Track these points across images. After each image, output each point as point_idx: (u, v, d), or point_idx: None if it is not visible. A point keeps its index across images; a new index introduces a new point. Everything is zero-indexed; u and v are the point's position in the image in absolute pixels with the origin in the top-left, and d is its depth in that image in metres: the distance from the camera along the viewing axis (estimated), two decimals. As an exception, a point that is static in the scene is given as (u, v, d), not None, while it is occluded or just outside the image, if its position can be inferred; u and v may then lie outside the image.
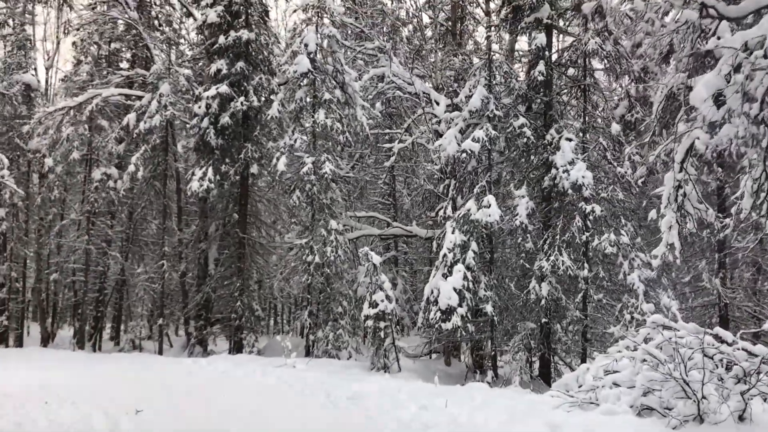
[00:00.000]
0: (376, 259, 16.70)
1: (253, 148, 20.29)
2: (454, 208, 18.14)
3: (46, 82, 31.42)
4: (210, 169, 19.99)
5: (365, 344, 23.25)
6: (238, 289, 20.57)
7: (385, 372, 16.43)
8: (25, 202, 27.17)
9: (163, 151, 23.43)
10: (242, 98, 20.37)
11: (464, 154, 16.77)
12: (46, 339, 29.98)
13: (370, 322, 16.60)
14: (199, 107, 20.75)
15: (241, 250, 20.88)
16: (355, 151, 24.40)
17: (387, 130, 23.52)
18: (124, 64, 29.54)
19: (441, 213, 18.25)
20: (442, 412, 9.87)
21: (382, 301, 16.46)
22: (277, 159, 19.05)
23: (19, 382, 14.04)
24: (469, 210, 16.50)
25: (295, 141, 19.14)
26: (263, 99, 20.96)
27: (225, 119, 20.12)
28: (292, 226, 20.89)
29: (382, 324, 16.54)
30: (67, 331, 33.51)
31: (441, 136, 19.08)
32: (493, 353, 17.17)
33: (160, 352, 22.94)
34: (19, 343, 28.72)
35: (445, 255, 16.47)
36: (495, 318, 16.31)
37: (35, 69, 29.73)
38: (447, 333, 16.64)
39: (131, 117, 22.34)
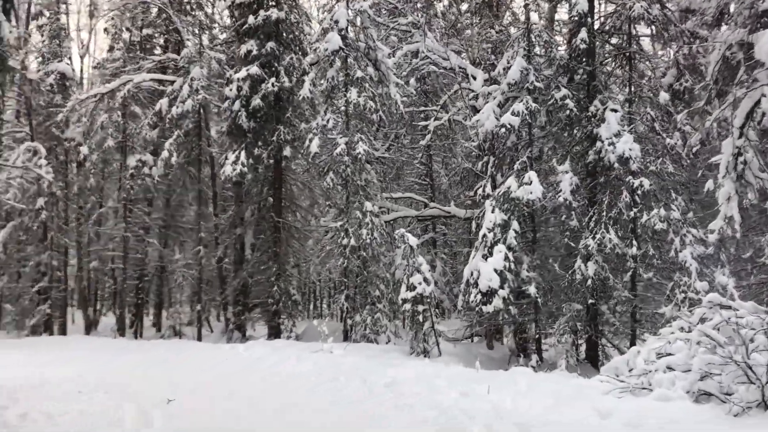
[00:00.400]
0: (413, 240, 16.27)
1: (285, 130, 20.01)
2: (494, 187, 17.56)
3: (81, 70, 31.62)
4: (243, 153, 19.80)
5: (404, 328, 22.93)
6: (274, 273, 20.41)
7: (424, 357, 16.07)
8: (63, 192, 27.57)
9: (197, 136, 23.34)
10: (273, 79, 20.07)
11: (503, 129, 16.14)
12: (89, 326, 30.52)
13: (408, 306, 16.22)
14: (230, 90, 20.54)
15: (276, 235, 20.69)
16: (389, 131, 23.94)
17: (422, 108, 22.93)
18: (157, 51, 29.58)
19: (480, 192, 17.68)
20: (483, 398, 9.45)
21: (420, 283, 16.05)
22: (310, 140, 18.71)
23: (57, 370, 14.15)
24: (509, 187, 15.91)
25: (328, 121, 18.77)
26: (294, 79, 20.63)
27: (256, 101, 19.87)
28: (328, 210, 20.58)
29: (420, 307, 16.15)
30: (110, 318, 34.05)
31: (478, 111, 18.49)
32: (537, 336, 16.61)
33: (199, 339, 23.03)
34: (63, 330, 29.26)
35: (484, 235, 15.94)
36: (539, 299, 15.75)
37: (70, 58, 29.96)
38: (488, 316, 16.16)
39: (163, 102, 22.28)
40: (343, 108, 18.94)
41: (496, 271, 15.40)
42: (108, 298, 33.09)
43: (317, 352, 15.33)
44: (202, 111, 23.22)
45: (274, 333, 20.77)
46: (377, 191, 20.53)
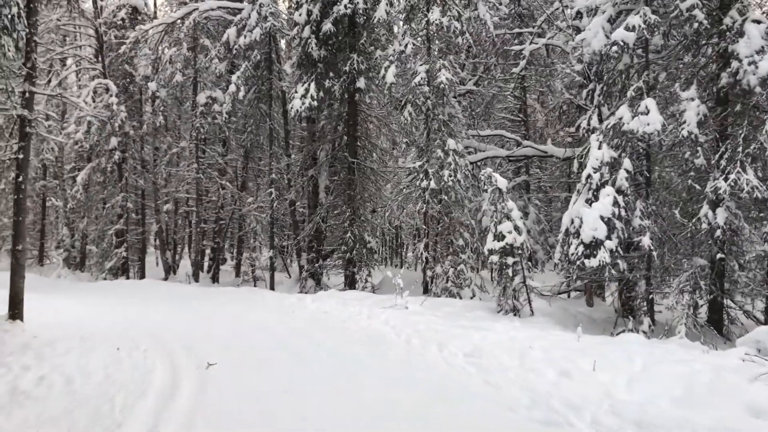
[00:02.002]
0: (502, 182, 14.22)
1: (359, 59, 18.08)
2: (601, 119, 15.08)
3: (154, 4, 30.56)
4: (312, 85, 18.09)
5: (491, 281, 21.06)
6: (347, 219, 18.90)
7: (514, 315, 14.23)
8: (137, 131, 26.96)
9: (267, 69, 21.81)
10: (345, 1, 18.05)
11: (614, 48, 13.56)
12: (168, 271, 30.37)
13: (495, 258, 14.30)
14: (300, 15, 18.78)
15: (350, 177, 19.07)
16: (478, 60, 21.57)
17: (516, 30, 20.32)
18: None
19: (584, 125, 15.23)
20: (589, 380, 7.54)
21: (510, 232, 14.06)
22: (386, 69, 16.78)
23: (111, 319, 13.28)
24: (620, 119, 13.46)
25: (406, 47, 16.72)
26: (370, 0, 18.55)
27: (327, 26, 18.00)
28: (405, 149, 18.70)
29: (510, 259, 14.21)
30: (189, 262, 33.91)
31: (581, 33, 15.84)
32: (649, 296, 14.30)
33: (272, 286, 22.05)
34: (142, 274, 29.23)
35: (589, 176, 13.64)
36: (653, 252, 13.39)
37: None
38: (591, 271, 13.98)
39: (231, 32, 20.79)
40: (423, 31, 16.80)
41: (602, 218, 13.15)
42: (186, 242, 32.84)
43: (390, 308, 13.76)
44: (272, 41, 21.61)
45: (349, 283, 19.41)
46: (462, 128, 18.45)
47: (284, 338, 11.00)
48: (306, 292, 20.55)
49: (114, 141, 26.38)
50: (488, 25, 17.50)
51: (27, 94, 11.33)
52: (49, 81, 27.96)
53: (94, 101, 24.95)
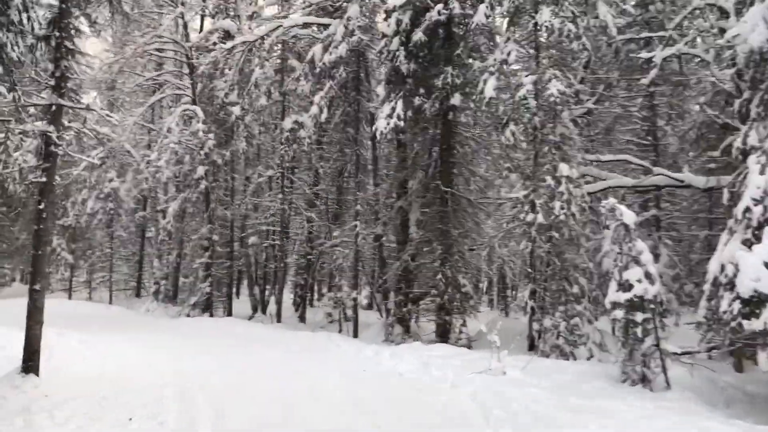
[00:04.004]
0: (628, 216, 11.41)
1: (454, 72, 15.80)
2: (760, 137, 11.88)
3: (249, 27, 29.83)
4: (399, 103, 16.00)
5: (613, 335, 17.88)
6: (439, 257, 16.48)
7: (643, 386, 11.25)
8: (224, 159, 25.91)
9: (354, 89, 20.05)
10: (440, 6, 15.90)
11: (782, 43, 10.54)
12: (255, 308, 29.04)
13: (619, 312, 11.44)
14: (388, 26, 16.86)
15: (442, 208, 16.70)
16: (596, 74, 18.73)
17: (644, 35, 17.34)
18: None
19: (737, 145, 12.05)
20: None
21: (640, 281, 11.19)
22: (484, 82, 14.43)
23: (152, 373, 11.55)
24: (791, 134, 10.34)
25: (509, 55, 14.36)
26: (467, 4, 16.29)
27: (418, 35, 15.94)
28: (507, 176, 16.14)
29: (639, 316, 11.30)
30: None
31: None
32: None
33: (355, 332, 19.89)
34: (229, 311, 27.96)
35: (747, 210, 10.62)
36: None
37: (237, 15, 28.18)
38: (750, 334, 10.77)
39: (317, 49, 19.20)
40: (530, 35, 14.32)
41: (767, 265, 10.02)
42: (271, 277, 31.43)
43: (483, 373, 11.17)
44: (360, 59, 19.88)
45: (440, 333, 16.92)
46: (577, 152, 15.67)
47: (337, 413, 8.71)
48: (391, 341, 18.24)
49: (201, 170, 25.47)
50: (610, 29, 14.77)
51: (54, 108, 9.91)
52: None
53: (178, 126, 24.16)
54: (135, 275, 37.60)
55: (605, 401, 9.69)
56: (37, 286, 9.81)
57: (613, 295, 11.53)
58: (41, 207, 9.86)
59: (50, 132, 9.81)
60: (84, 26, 34.89)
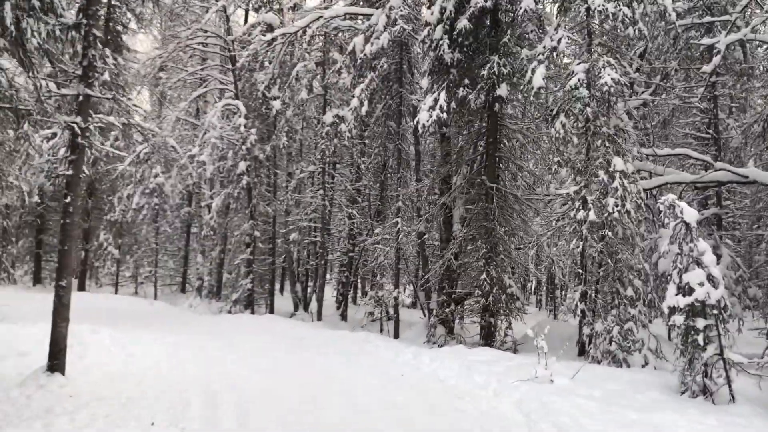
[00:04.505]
0: (690, 214, 10.54)
1: (500, 62, 15.03)
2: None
3: (293, 20, 29.53)
4: (442, 94, 15.30)
5: (670, 340, 16.88)
6: (483, 256, 15.75)
7: (705, 398, 10.41)
8: (266, 154, 25.66)
9: (397, 81, 19.45)
10: (486, -8, 15.16)
11: None
12: (297, 305, 28.76)
13: (679, 318, 10.58)
14: (432, 14, 16.17)
15: (488, 205, 15.95)
16: (654, 64, 17.70)
17: (707, 19, 16.23)
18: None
19: (812, 136, 11.11)
20: None
21: (702, 284, 10.32)
22: (533, 71, 13.63)
23: (181, 372, 11.21)
24: None
25: (559, 42, 13.54)
26: (515, -11, 15.52)
27: (462, 23, 15.20)
28: (559, 170, 15.27)
29: (700, 322, 10.45)
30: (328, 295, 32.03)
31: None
32: None
33: (396, 332, 19.33)
34: (270, 308, 27.75)
35: (824, 207, 9.56)
36: None
37: (279, 9, 27.93)
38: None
39: (358, 40, 18.65)
40: (582, 20, 13.48)
41: None
42: (311, 275, 31.08)
43: (529, 381, 10.45)
44: (402, 50, 19.26)
45: (485, 336, 16.19)
46: (632, 145, 14.77)
47: (370, 421, 8.15)
48: (434, 342, 17.61)
49: (243, 165, 25.30)
50: (669, 14, 13.80)
51: (81, 98, 9.60)
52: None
53: (219, 121, 23.96)
54: (180, 271, 37.89)
55: (662, 415, 8.89)
56: (63, 282, 9.51)
57: (672, 299, 10.67)
58: (67, 201, 9.57)
59: (77, 123, 9.50)
60: (132, 23, 35.13)
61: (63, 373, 9.49)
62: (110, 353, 12.49)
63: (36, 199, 30.84)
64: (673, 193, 15.87)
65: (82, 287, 33.77)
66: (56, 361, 9.42)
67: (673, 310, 10.69)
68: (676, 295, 10.64)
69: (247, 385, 10.10)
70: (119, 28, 35.59)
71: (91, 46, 9.69)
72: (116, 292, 34.30)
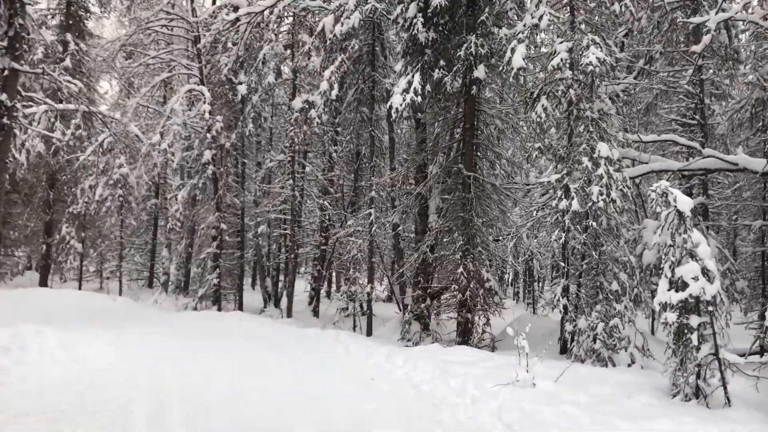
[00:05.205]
0: (684, 202, 9.78)
1: (478, 42, 14.13)
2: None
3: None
4: (417, 76, 14.36)
5: (654, 336, 16.21)
6: (460, 249, 14.88)
7: (699, 402, 9.71)
8: (232, 142, 24.47)
9: (369, 64, 18.46)
10: (462, -33, 14.26)
11: None
12: (267, 300, 27.72)
13: (671, 316, 9.81)
14: (405, -10, 15.21)
15: (465, 195, 15.07)
16: (633, 43, 16.94)
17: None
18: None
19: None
20: None
21: (696, 279, 9.57)
22: (512, 51, 12.76)
23: (121, 382, 10.14)
24: None
25: (540, 18, 12.64)
26: (494, -36, 14.61)
27: (437, 0, 14.24)
28: (539, 157, 14.45)
29: (694, 320, 9.72)
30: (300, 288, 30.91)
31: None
32: None
33: (369, 330, 18.42)
34: (239, 304, 26.64)
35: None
36: None
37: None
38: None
39: (327, 20, 17.63)
40: (565, -3, 12.65)
41: None
42: (282, 269, 30.02)
43: (510, 385, 9.60)
44: (375, 30, 18.28)
45: (461, 332, 15.36)
46: (617, 130, 13.97)
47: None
48: (408, 340, 16.77)
49: (208, 154, 24.10)
50: (656, -11, 13.03)
51: (6, 72, 8.50)
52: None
53: (181, 107, 22.76)
54: (147, 265, 36.60)
55: (655, 423, 8.12)
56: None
57: (664, 294, 9.90)
58: (-8, 188, 8.50)
59: (1, 101, 8.40)
60: (94, 7, 33.16)
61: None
62: (53, 358, 11.39)
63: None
64: (657, 182, 15.14)
65: (44, 283, 32.38)
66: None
67: (664, 307, 9.92)
68: (668, 290, 9.87)
69: (201, 394, 9.11)
70: (81, 12, 33.73)
71: (17, 14, 8.57)
72: (80, 288, 32.92)
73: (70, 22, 30.93)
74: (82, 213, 30.95)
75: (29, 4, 8.59)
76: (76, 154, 29.33)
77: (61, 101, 25.76)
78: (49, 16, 31.64)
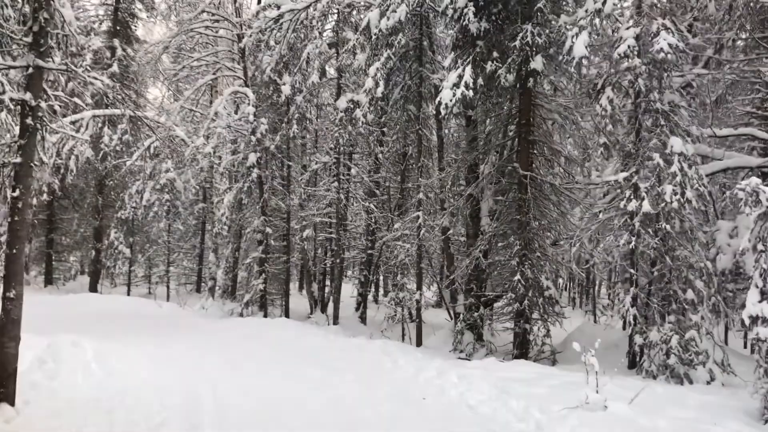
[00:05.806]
0: (778, 202, 8.55)
1: (534, 31, 13.10)
2: None
3: None
4: (468, 69, 13.40)
5: (728, 346, 14.88)
6: (516, 254, 13.84)
7: (794, 429, 8.47)
8: (276, 144, 23.90)
9: (416, 60, 17.59)
10: (516, -49, 13.25)
11: None
12: (313, 306, 27.08)
13: (763, 331, 8.63)
14: (455, -20, 14.25)
15: (520, 196, 14.05)
16: (709, 33, 15.63)
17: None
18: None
19: None
20: None
21: (795, 289, 8.34)
22: (573, 38, 11.69)
23: (173, 393, 9.52)
24: None
25: (604, 3, 11.52)
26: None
27: (490, -12, 13.31)
28: (604, 154, 13.32)
29: (792, 336, 8.46)
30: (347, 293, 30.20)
31: None
32: None
33: (419, 341, 17.49)
34: (286, 310, 26.05)
35: None
36: None
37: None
38: None
39: (372, 15, 16.79)
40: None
41: None
42: (328, 273, 29.30)
43: (578, 408, 8.57)
44: (423, 24, 17.41)
45: (519, 344, 14.32)
46: (691, 123, 12.76)
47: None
48: (461, 351, 15.80)
49: (253, 157, 23.58)
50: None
51: (31, 70, 7.92)
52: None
53: (226, 110, 22.32)
54: (195, 270, 36.50)
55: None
56: (11, 293, 7.85)
57: (754, 307, 8.75)
58: (15, 195, 7.91)
59: (26, 101, 7.83)
60: (142, 13, 33.10)
61: (12, 404, 7.86)
62: (88, 371, 10.86)
63: (45, 197, 29.53)
64: (735, 180, 13.92)
65: (94, 288, 32.59)
66: (3, 390, 7.78)
67: (755, 321, 8.77)
68: (760, 301, 8.72)
69: (237, 416, 8.37)
70: (128, 18, 33.40)
71: (42, 7, 7.99)
72: (129, 293, 32.97)
73: (118, 27, 31.03)
74: (130, 218, 30.96)
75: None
76: (123, 159, 29.35)
77: (107, 106, 25.75)
78: (96, 23, 31.81)
